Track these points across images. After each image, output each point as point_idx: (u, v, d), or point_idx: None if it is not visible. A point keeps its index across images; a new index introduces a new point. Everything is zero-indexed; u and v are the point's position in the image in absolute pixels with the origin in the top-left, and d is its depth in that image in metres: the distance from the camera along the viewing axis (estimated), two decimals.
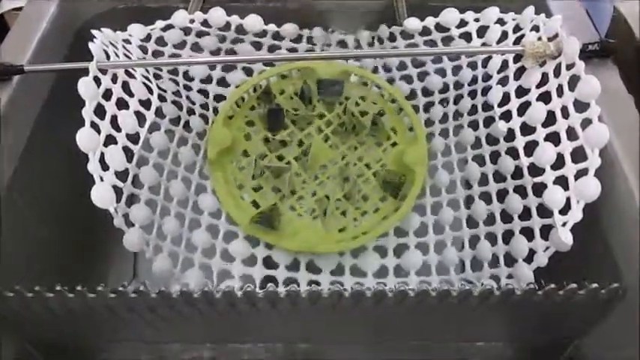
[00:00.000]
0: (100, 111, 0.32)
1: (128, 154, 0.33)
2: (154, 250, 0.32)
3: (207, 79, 0.41)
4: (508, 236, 0.33)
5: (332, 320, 0.30)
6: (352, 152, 0.39)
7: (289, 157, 0.38)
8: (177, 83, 0.40)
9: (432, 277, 0.35)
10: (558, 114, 0.32)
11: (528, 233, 0.32)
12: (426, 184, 0.38)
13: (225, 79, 0.42)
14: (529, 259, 0.31)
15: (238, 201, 0.37)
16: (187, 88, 0.40)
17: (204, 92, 0.41)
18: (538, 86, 0.34)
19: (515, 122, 0.34)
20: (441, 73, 0.41)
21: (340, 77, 0.41)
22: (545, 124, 0.33)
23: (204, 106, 0.40)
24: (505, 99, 0.36)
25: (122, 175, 0.32)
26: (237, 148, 0.38)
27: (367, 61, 0.43)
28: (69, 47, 0.40)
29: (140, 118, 0.35)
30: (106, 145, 0.31)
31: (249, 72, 0.42)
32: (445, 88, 0.41)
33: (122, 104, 0.34)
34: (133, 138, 0.33)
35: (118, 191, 0.31)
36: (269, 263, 0.36)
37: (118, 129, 0.32)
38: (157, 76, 0.38)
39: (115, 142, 0.32)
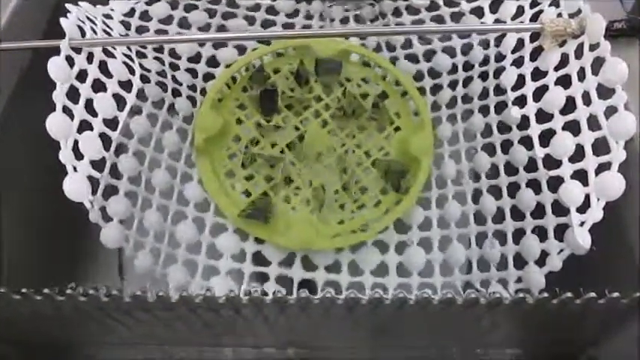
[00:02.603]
0: (73, 94, 0.29)
1: (105, 141, 0.30)
2: (135, 247, 0.29)
3: (196, 58, 0.38)
4: (518, 235, 0.30)
5: (324, 326, 0.28)
6: (352, 139, 0.36)
7: (283, 144, 0.36)
8: (162, 62, 0.36)
9: (434, 278, 0.32)
10: (579, 100, 0.29)
11: (541, 233, 0.29)
12: (431, 175, 0.35)
13: (216, 58, 0.38)
14: (541, 261, 0.28)
15: (228, 191, 0.34)
16: (174, 67, 0.37)
17: (192, 72, 0.38)
18: (557, 68, 0.30)
19: (530, 108, 0.31)
20: (450, 52, 0.38)
21: (339, 56, 0.37)
22: (563, 111, 0.29)
23: (192, 87, 0.37)
24: (519, 82, 0.33)
25: (98, 165, 0.29)
26: (227, 134, 0.36)
27: (370, 38, 0.40)
28: (47, 23, 0.37)
29: (119, 101, 0.32)
30: (80, 131, 0.28)
31: (241, 49, 0.39)
32: (454, 69, 0.38)
33: (99, 86, 0.31)
34: (111, 123, 0.31)
35: (93, 182, 0.28)
36: (260, 259, 0.33)
37: (94, 114, 0.30)
38: (140, 55, 0.35)
39: (91, 129, 0.29)
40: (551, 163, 0.29)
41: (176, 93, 0.36)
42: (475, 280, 0.31)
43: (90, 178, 0.28)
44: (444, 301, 0.23)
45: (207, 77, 0.37)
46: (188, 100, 0.36)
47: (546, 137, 0.30)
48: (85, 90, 0.29)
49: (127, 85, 0.33)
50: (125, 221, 0.29)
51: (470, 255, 0.32)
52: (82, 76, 0.30)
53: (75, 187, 0.27)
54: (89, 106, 0.30)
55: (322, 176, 0.35)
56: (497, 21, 0.36)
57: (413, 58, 0.39)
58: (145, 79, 0.34)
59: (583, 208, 0.27)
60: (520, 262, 0.30)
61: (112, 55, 0.32)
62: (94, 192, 0.28)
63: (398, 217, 0.34)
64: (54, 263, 0.36)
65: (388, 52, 0.39)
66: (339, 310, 0.24)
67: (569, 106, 0.29)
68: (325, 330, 0.28)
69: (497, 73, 0.35)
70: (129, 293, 0.24)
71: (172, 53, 0.37)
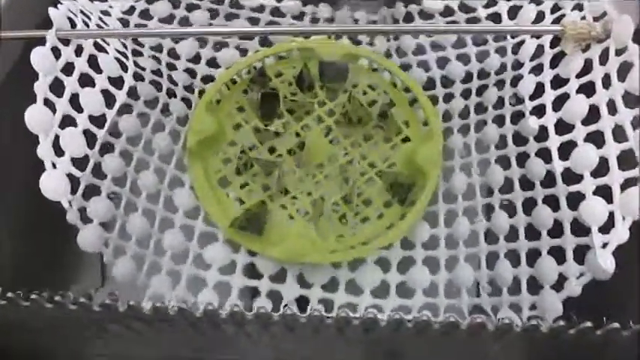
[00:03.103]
0: (58, 88, 0.27)
1: (90, 139, 0.28)
2: (115, 252, 0.27)
3: (196, 58, 0.36)
4: (533, 256, 0.27)
5: (313, 347, 0.25)
6: (356, 148, 0.34)
7: (282, 151, 0.33)
8: (158, 61, 0.35)
9: (438, 299, 0.29)
10: (603, 109, 0.26)
11: (559, 254, 0.26)
12: (439, 189, 0.33)
13: (216, 60, 0.37)
14: (558, 286, 0.25)
15: (221, 198, 0.32)
16: (171, 67, 0.35)
17: (190, 72, 0.36)
18: (579, 75, 0.28)
19: (550, 118, 0.29)
20: (464, 59, 0.36)
21: (345, 60, 0.35)
22: (585, 122, 0.27)
23: (189, 88, 0.35)
24: (538, 91, 0.30)
25: (81, 163, 0.27)
26: (223, 138, 0.34)
27: (379, 44, 0.38)
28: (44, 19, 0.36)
29: (108, 98, 0.30)
30: (62, 126, 0.27)
31: (243, 52, 0.37)
32: (468, 77, 0.35)
33: (87, 81, 0.29)
34: (98, 121, 0.29)
35: (74, 181, 0.27)
36: (251, 272, 0.31)
37: (79, 109, 0.28)
38: (135, 53, 0.34)
39: (75, 125, 0.28)
40: (571, 177, 0.27)
41: (171, 93, 0.34)
42: (484, 304, 0.29)
43: (70, 176, 0.26)
44: (445, 325, 0.21)
45: (206, 79, 0.36)
46: (183, 101, 0.34)
47: (566, 150, 0.27)
48: (70, 83, 0.28)
49: (118, 82, 0.31)
50: (106, 225, 0.27)
51: (479, 277, 0.29)
52: (68, 69, 0.28)
53: (53, 184, 0.25)
54: (74, 101, 0.28)
55: (322, 186, 0.33)
56: None
57: (425, 65, 0.37)
58: (138, 77, 0.32)
59: (606, 227, 0.24)
60: (535, 286, 0.27)
61: (103, 50, 0.31)
62: (74, 191, 0.26)
63: (402, 233, 0.31)
64: (37, 265, 0.34)
65: (398, 59, 0.37)
66: (329, 331, 0.22)
67: (592, 115, 0.27)
68: (314, 352, 0.26)
69: (515, 81, 0.32)
70: (98, 301, 0.22)
71: (171, 53, 0.36)
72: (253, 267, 0.31)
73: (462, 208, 0.31)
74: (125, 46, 0.33)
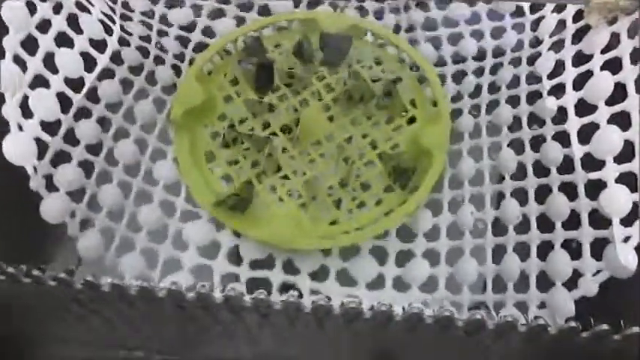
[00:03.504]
0: (34, 45, 0.25)
1: (64, 102, 0.26)
2: (81, 224, 0.25)
3: (190, 27, 0.34)
4: (545, 250, 0.24)
5: (291, 339, 0.23)
6: (356, 127, 0.31)
7: (276, 126, 0.31)
8: (149, 27, 0.32)
9: (438, 293, 0.26)
10: (630, 88, 0.23)
11: (574, 248, 0.23)
12: (444, 174, 0.30)
13: (212, 29, 0.34)
14: (571, 283, 0.22)
15: (205, 174, 0.30)
16: (162, 33, 0.33)
17: (182, 40, 0.33)
18: (604, 51, 0.25)
19: (569, 98, 0.26)
20: (478, 35, 0.33)
21: (350, 33, 0.33)
22: (609, 102, 0.24)
23: (180, 57, 0.33)
24: (558, 69, 0.27)
25: (52, 128, 0.25)
26: (212, 110, 0.31)
27: (387, 17, 0.35)
28: None
29: (89, 61, 0.28)
30: (33, 87, 0.24)
31: (241, 21, 0.34)
32: (481, 55, 0.32)
33: (65, 41, 0.27)
34: (75, 84, 0.27)
35: (42, 146, 0.24)
36: (235, 256, 0.28)
37: (54, 70, 0.26)
38: (124, 17, 0.32)
39: (47, 86, 0.25)
40: (592, 163, 0.24)
41: (159, 60, 0.32)
42: (488, 301, 0.26)
43: (39, 140, 0.24)
44: (439, 320, 0.18)
45: (200, 48, 0.33)
46: (172, 69, 0.32)
47: (587, 132, 0.25)
48: (45, 42, 0.26)
49: (100, 45, 0.29)
50: (74, 194, 0.25)
51: (483, 272, 0.26)
52: (44, 26, 0.26)
53: (17, 148, 0.24)
54: (49, 61, 0.26)
55: (317, 167, 0.30)
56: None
57: (435, 41, 0.34)
58: (123, 41, 0.30)
59: (629, 219, 0.21)
60: (545, 282, 0.24)
61: (86, 10, 0.28)
62: (41, 157, 0.24)
63: (400, 221, 0.28)
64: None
65: (407, 34, 0.34)
66: (306, 320, 0.19)
67: (618, 94, 0.24)
68: (293, 345, 0.23)
69: (532, 59, 0.29)
70: (80, 279, 0.19)
71: (163, 19, 0.33)
72: (236, 250, 0.28)
73: (468, 194, 0.29)
74: (113, 10, 0.31)
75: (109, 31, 0.30)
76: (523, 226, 0.26)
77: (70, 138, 0.26)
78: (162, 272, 0.27)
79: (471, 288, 0.26)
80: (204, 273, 0.27)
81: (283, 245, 0.27)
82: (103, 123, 0.28)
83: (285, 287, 0.27)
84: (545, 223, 0.25)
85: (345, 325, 0.19)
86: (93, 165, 0.26)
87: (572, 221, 0.24)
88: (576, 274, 0.23)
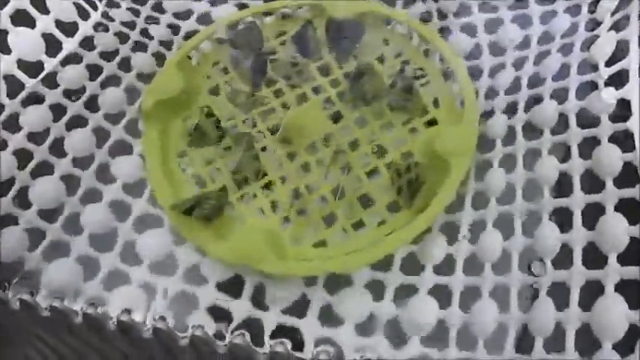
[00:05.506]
0: None
1: (12, 86, 0.23)
2: (1, 220, 0.21)
3: (186, 14, 0.30)
4: (591, 294, 0.17)
5: None
6: (362, 128, 0.26)
7: (265, 124, 0.26)
8: (136, 13, 0.29)
9: (446, 352, 0.20)
10: None
11: (631, 293, 0.16)
12: (467, 190, 0.23)
13: (211, 15, 0.30)
14: (626, 345, 0.15)
15: (175, 174, 0.25)
16: (151, 19, 0.29)
17: (174, 28, 0.30)
18: None
19: (633, 88, 0.19)
20: (522, 20, 0.26)
21: (362, 20, 0.27)
22: None
23: (167, 44, 0.29)
24: (619, 53, 0.20)
25: None
26: (193, 103, 0.27)
27: (417, 5, 0.29)
28: None
29: (51, 44, 0.25)
30: None
31: (243, 7, 0.30)
32: (525, 43, 0.26)
33: (25, 21, 0.24)
34: (31, 67, 0.24)
35: None
36: (196, 276, 0.23)
37: (6, 50, 0.23)
38: (110, 4, 0.28)
39: None
40: None
41: (139, 47, 0.28)
42: None
43: None
44: None
45: (191, 36, 0.29)
46: (154, 57, 0.28)
47: None
48: None
49: (70, 29, 0.26)
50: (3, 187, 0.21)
51: (506, 321, 0.19)
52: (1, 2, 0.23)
53: None
54: (1, 40, 0.23)
55: (310, 174, 0.25)
56: None
57: (470, 30, 0.28)
58: (101, 27, 0.27)
59: None
60: (587, 339, 0.17)
61: None
62: None
63: (403, 246, 0.22)
64: None
65: (439, 21, 0.28)
66: None
67: None
68: None
69: (587, 44, 0.23)
70: None
71: (156, 7, 0.30)
72: (199, 269, 0.23)
73: (493, 217, 0.22)
74: None
75: (83, 15, 0.26)
76: (563, 260, 0.19)
77: (12, 124, 0.22)
78: (106, 285, 0.22)
79: (486, 343, 0.19)
80: (158, 291, 0.22)
81: (252, 266, 0.22)
82: (57, 110, 0.24)
83: (247, 323, 0.21)
84: (595, 257, 0.18)
85: None
86: (31, 155, 0.23)
87: (632, 254, 0.17)
88: (634, 332, 0.15)
